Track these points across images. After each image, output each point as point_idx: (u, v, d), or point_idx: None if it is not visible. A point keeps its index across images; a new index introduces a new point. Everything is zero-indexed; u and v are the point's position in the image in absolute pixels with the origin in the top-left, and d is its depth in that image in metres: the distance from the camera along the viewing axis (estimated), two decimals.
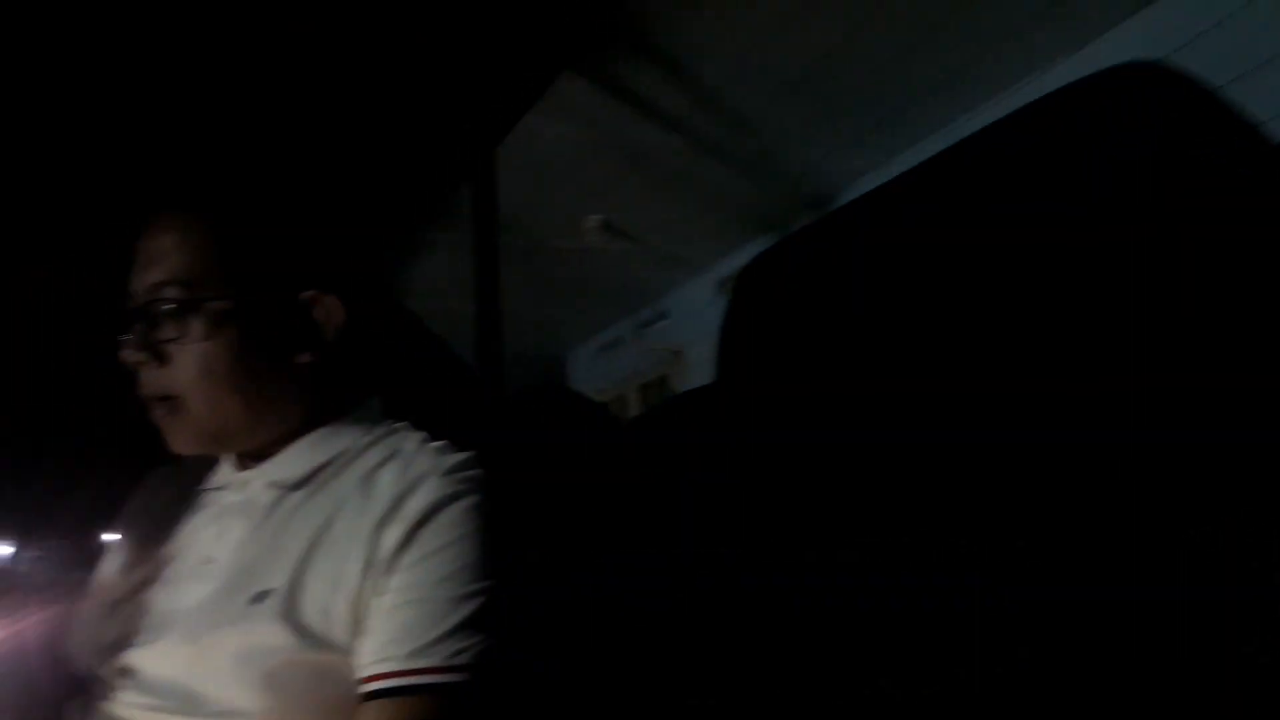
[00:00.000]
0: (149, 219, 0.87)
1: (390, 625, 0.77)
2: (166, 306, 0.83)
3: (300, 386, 0.88)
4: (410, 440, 0.90)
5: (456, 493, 0.82)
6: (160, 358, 0.84)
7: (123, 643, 0.84)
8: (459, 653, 0.75)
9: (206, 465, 0.97)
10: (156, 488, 0.99)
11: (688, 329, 4.84)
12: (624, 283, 4.78)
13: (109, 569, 0.95)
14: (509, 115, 2.42)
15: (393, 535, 0.79)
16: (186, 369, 0.83)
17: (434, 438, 0.91)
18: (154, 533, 0.93)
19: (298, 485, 0.86)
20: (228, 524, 0.87)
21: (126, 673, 0.81)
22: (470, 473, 0.84)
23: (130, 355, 0.84)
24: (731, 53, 2.77)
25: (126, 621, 0.86)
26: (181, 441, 0.86)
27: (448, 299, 3.35)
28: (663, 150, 3.32)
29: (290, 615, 0.77)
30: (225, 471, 0.93)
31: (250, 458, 0.91)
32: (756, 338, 0.74)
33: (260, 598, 0.78)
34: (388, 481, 0.83)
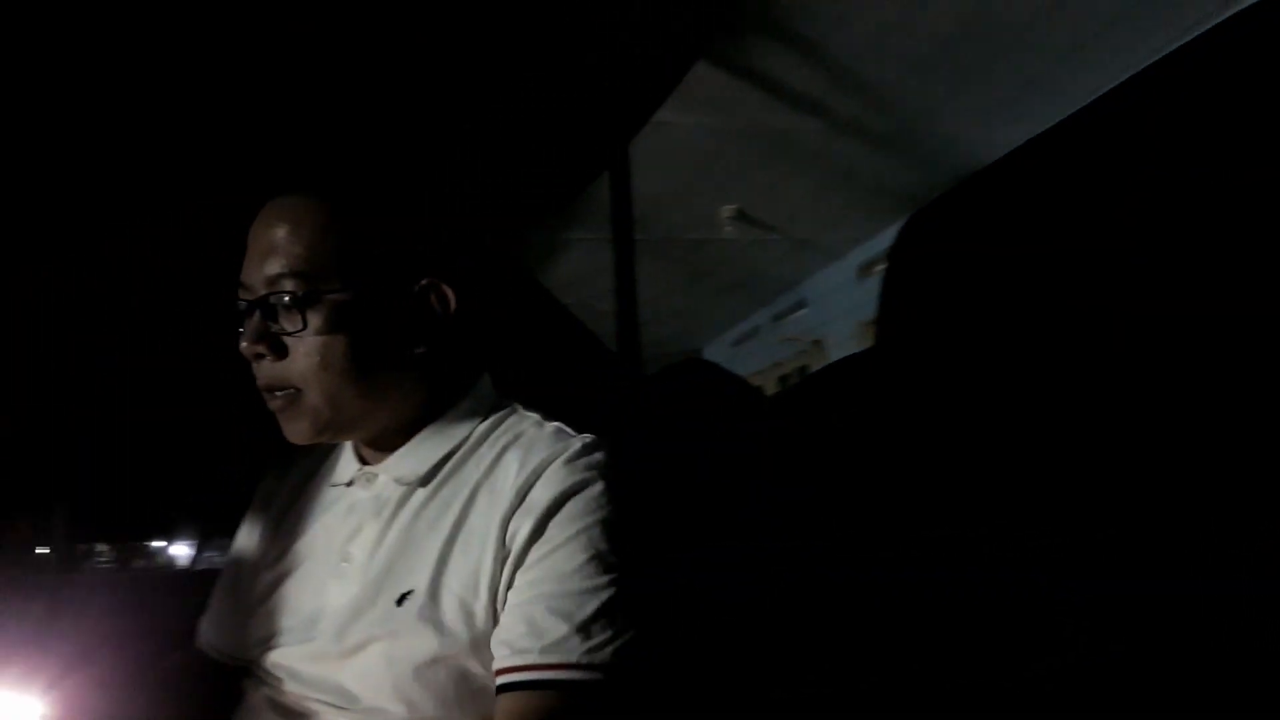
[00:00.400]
0: (263, 206, 0.86)
1: (524, 617, 0.76)
2: (284, 300, 0.82)
3: (416, 375, 0.88)
4: (527, 422, 0.89)
5: (583, 480, 0.80)
6: (277, 350, 0.83)
7: (273, 639, 0.86)
8: (594, 649, 0.74)
9: (327, 453, 0.98)
10: (281, 476, 1.01)
11: (827, 317, 4.74)
12: (760, 272, 4.72)
13: (242, 558, 0.97)
14: (643, 108, 2.43)
15: (523, 528, 0.79)
16: (304, 361, 0.82)
17: (565, 416, 0.90)
18: (283, 525, 0.95)
19: (424, 481, 0.86)
20: (360, 521, 0.87)
21: (282, 668, 0.84)
22: (595, 456, 0.83)
23: (248, 348, 0.83)
24: (864, 28, 2.68)
25: (272, 617, 0.88)
26: (298, 432, 0.85)
27: (585, 297, 3.40)
28: (798, 134, 3.25)
29: (433, 616, 0.78)
30: (349, 464, 0.93)
31: (370, 447, 0.91)
32: (919, 298, 0.70)
33: (402, 600, 0.79)
34: (512, 471, 0.83)
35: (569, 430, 0.87)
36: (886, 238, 4.71)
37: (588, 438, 0.85)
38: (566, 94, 1.99)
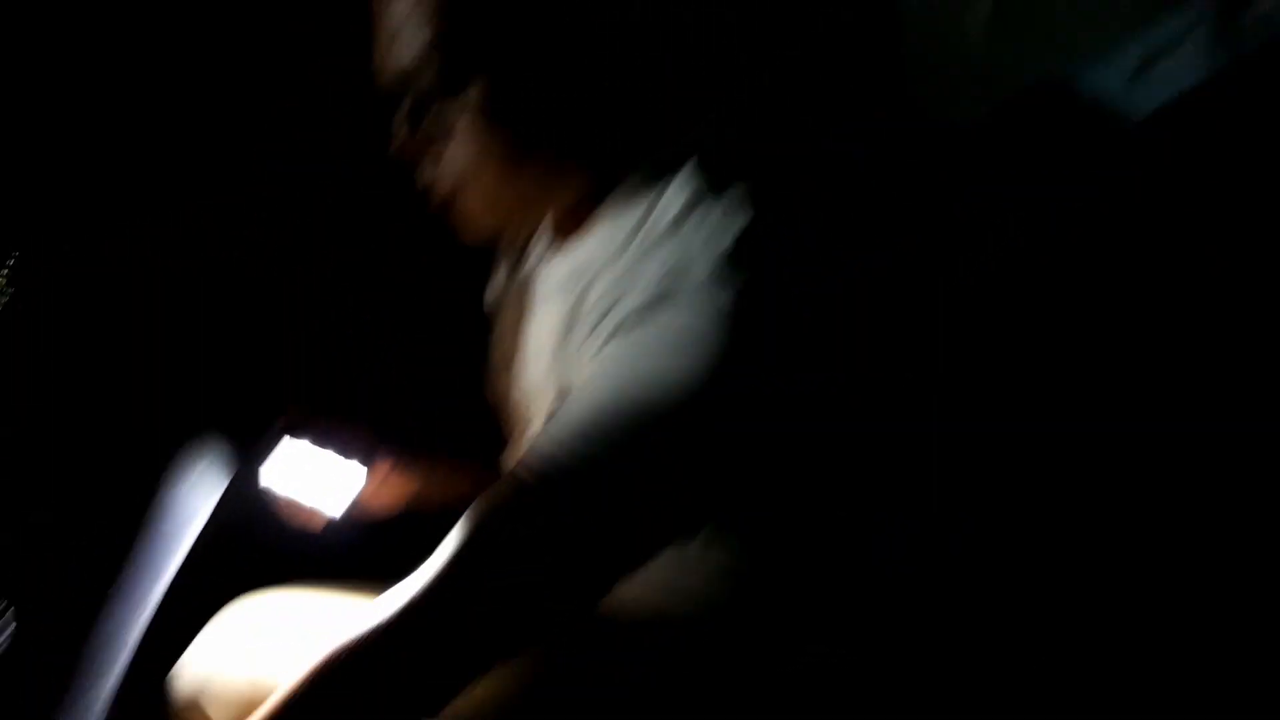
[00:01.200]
0: None
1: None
2: (421, 96, 0.71)
3: (586, 156, 0.74)
4: (672, 207, 0.69)
5: (660, 307, 0.63)
6: (426, 150, 0.74)
7: (501, 423, 0.88)
8: (560, 461, 0.60)
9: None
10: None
11: None
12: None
13: (492, 312, 0.96)
14: None
15: (590, 347, 0.67)
16: (456, 162, 0.73)
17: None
18: (511, 285, 0.92)
19: (573, 284, 0.75)
20: (546, 310, 0.80)
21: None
22: (702, 273, 0.63)
23: (396, 151, 0.74)
24: None
25: (500, 402, 0.88)
26: (466, 235, 0.78)
27: None
28: None
29: None
30: (542, 243, 0.86)
31: (556, 228, 0.81)
32: None
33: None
34: (621, 286, 0.68)
35: (737, 219, 0.67)
36: (1167, 28, 4.00)
37: (741, 226, 0.66)
38: None
